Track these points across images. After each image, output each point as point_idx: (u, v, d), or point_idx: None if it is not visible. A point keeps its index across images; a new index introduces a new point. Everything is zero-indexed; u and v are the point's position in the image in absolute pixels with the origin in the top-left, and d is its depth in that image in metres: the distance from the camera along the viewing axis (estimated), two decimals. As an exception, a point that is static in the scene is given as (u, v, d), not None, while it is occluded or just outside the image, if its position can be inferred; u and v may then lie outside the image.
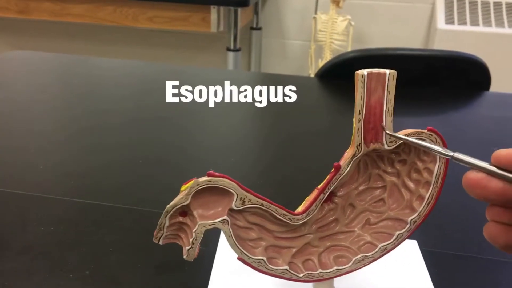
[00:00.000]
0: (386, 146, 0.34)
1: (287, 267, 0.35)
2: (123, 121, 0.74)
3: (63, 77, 0.93)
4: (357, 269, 0.37)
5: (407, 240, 0.37)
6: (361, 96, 0.32)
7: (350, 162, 0.34)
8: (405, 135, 0.33)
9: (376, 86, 0.32)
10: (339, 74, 0.92)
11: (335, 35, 1.73)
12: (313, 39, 1.88)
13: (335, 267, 0.36)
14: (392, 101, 0.32)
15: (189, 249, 0.33)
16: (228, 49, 1.69)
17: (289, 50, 2.09)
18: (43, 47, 2.19)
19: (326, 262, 0.36)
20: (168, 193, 0.35)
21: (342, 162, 0.34)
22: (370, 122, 0.33)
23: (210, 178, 0.31)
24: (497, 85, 1.12)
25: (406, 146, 0.35)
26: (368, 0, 1.95)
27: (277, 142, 0.71)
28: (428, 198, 0.36)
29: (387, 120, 0.33)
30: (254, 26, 2.01)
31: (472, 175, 0.28)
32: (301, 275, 0.35)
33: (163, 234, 0.33)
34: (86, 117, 0.75)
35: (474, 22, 1.85)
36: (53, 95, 0.84)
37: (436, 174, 0.35)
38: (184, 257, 0.33)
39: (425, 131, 0.34)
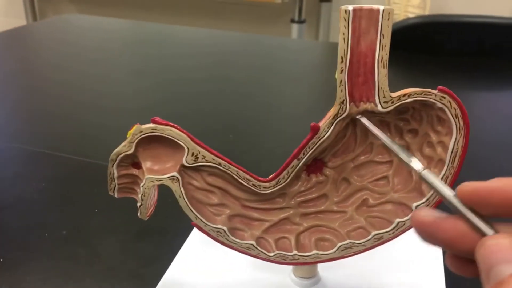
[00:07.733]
0: (380, 107, 0.26)
1: (253, 242, 0.30)
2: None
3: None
4: (342, 258, 0.30)
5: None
6: (344, 39, 0.25)
7: (332, 123, 0.27)
8: (405, 94, 0.26)
9: (367, 27, 0.25)
10: (396, 46, 0.81)
11: (410, 7, 1.59)
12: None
13: (315, 251, 0.30)
14: (387, 48, 0.25)
15: (140, 205, 0.29)
16: (292, 21, 1.61)
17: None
18: (111, 15, 2.24)
19: (305, 243, 0.31)
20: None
21: (322, 123, 0.27)
22: (360, 75, 0.26)
23: (154, 125, 0.26)
24: None
25: (416, 112, 0.28)
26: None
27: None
28: None
29: (380, 73, 0.26)
30: (325, -2, 1.90)
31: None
32: (272, 254, 0.30)
33: (115, 185, 0.29)
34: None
35: None
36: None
37: (452, 151, 0.28)
38: (138, 214, 0.29)
39: (435, 91, 0.26)
